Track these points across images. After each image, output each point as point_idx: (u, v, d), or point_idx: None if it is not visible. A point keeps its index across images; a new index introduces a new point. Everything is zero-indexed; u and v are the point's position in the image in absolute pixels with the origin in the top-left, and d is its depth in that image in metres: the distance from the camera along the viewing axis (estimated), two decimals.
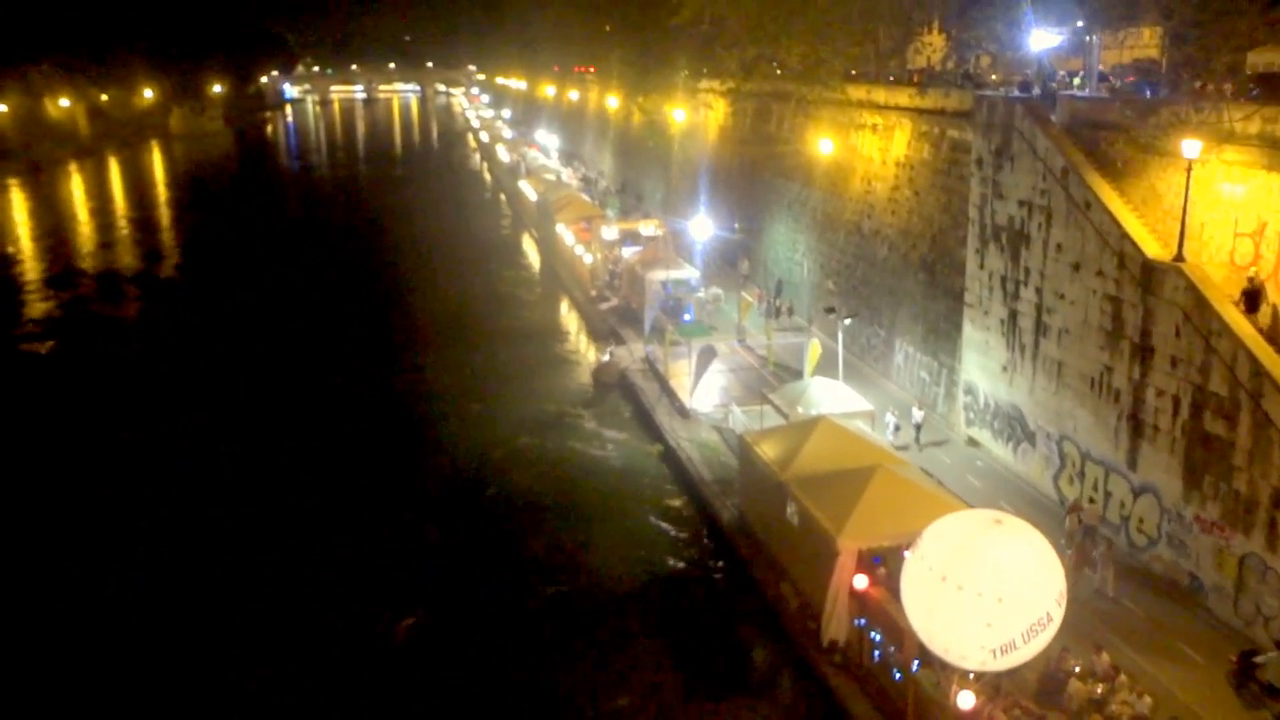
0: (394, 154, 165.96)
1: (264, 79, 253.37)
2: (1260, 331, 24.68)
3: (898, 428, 35.85)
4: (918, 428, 36.15)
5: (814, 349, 39.30)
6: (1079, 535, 27.80)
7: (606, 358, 48.79)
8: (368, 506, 34.94)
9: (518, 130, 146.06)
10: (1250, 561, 24.54)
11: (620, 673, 25.73)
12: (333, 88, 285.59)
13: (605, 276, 60.09)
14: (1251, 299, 25.05)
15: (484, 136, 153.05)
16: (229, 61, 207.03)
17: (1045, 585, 18.96)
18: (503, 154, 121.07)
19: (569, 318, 60.71)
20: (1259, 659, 22.69)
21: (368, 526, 33.51)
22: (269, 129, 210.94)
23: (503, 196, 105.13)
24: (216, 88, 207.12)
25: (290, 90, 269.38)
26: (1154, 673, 23.10)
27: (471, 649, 26.84)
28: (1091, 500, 29.91)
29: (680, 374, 43.26)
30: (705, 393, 41.30)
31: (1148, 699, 21.14)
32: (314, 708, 24.58)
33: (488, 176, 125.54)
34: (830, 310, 41.06)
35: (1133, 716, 20.77)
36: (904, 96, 43.06)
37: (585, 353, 53.05)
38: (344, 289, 67.12)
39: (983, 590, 18.56)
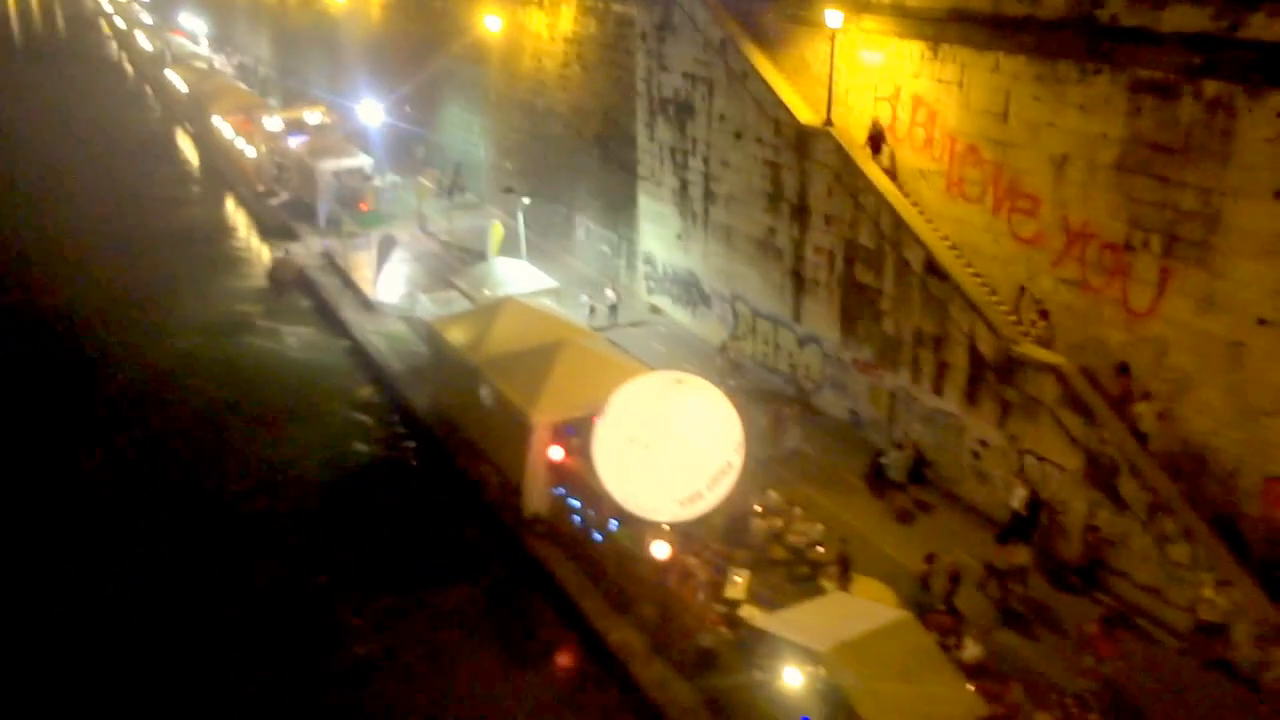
0: (10, 43, 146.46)
1: None
2: (885, 171, 27.47)
3: (593, 310, 36.07)
4: (612, 308, 36.52)
5: (496, 230, 39.13)
6: (729, 372, 30.98)
7: (281, 255, 46.34)
8: (30, 438, 31.82)
9: (158, 15, 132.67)
10: (899, 394, 27.35)
11: (333, 575, 25.14)
12: None
13: (272, 170, 56.63)
14: (875, 142, 27.83)
15: (119, 22, 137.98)
16: None
17: (724, 436, 20.14)
18: (143, 41, 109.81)
19: (236, 215, 56.91)
20: (884, 459, 26.29)
21: (33, 461, 30.57)
22: None
23: (148, 88, 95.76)
24: None
25: None
26: (824, 502, 25.51)
27: (164, 569, 25.34)
28: (736, 338, 33.12)
29: (361, 266, 41.93)
30: (389, 283, 40.27)
31: (819, 525, 23.37)
32: None
33: (128, 67, 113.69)
34: (509, 190, 40.94)
35: (808, 543, 22.92)
36: None
37: (258, 251, 50.11)
38: None
39: (668, 447, 19.49)
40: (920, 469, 26.23)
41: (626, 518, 21.77)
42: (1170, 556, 20.84)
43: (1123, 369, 22.26)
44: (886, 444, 27.19)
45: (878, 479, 26.27)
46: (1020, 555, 22.18)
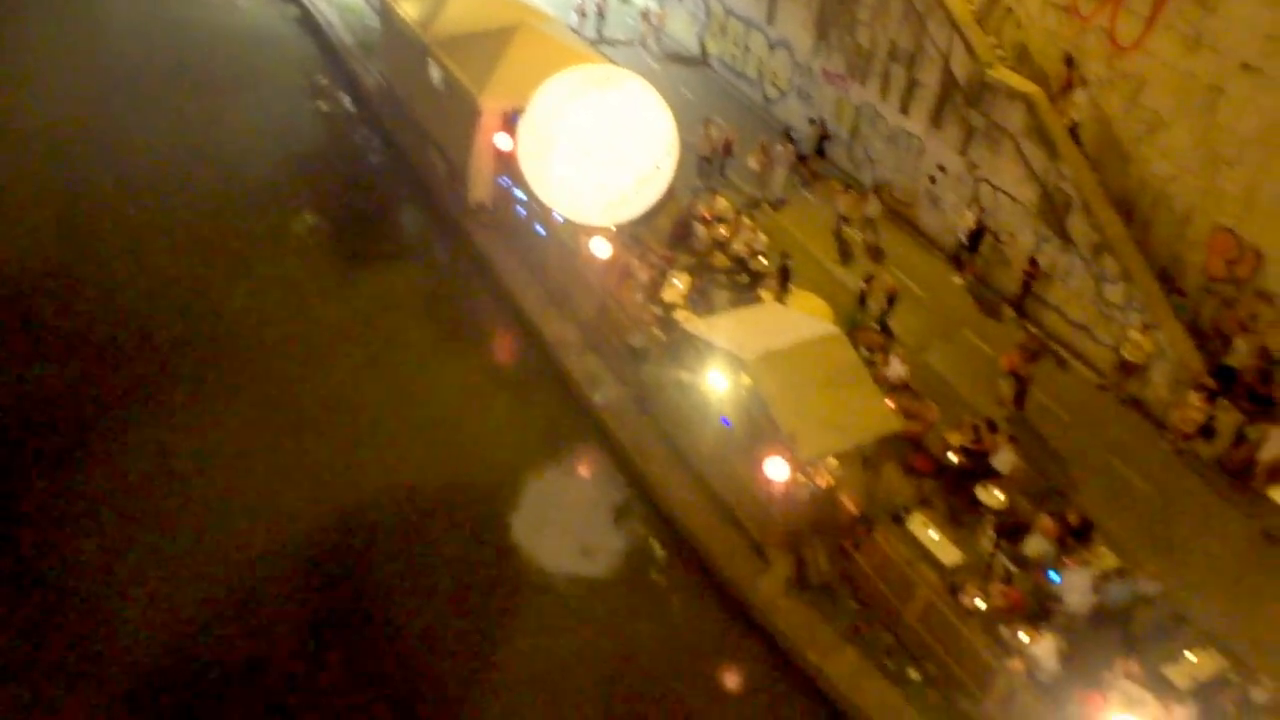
0: None
1: None
2: None
3: (583, 14, 32.95)
4: (599, 16, 33.22)
5: None
6: (651, 37, 32.53)
7: None
8: None
9: None
10: (864, 110, 26.46)
11: (276, 262, 24.49)
12: None
13: None
14: None
15: None
16: None
17: (651, 138, 18.80)
18: None
19: None
20: (794, 134, 27.24)
21: None
22: None
23: None
24: None
25: None
26: (776, 215, 25.19)
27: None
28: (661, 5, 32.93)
29: None
30: None
31: (763, 236, 23.16)
32: None
33: None
34: None
35: (751, 252, 22.76)
36: None
37: None
38: None
39: (589, 147, 18.19)
40: (823, 143, 26.97)
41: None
42: (1105, 296, 21.00)
43: (1068, 60, 21.95)
44: (854, 161, 27.02)
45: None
46: (872, 205, 24.33)
